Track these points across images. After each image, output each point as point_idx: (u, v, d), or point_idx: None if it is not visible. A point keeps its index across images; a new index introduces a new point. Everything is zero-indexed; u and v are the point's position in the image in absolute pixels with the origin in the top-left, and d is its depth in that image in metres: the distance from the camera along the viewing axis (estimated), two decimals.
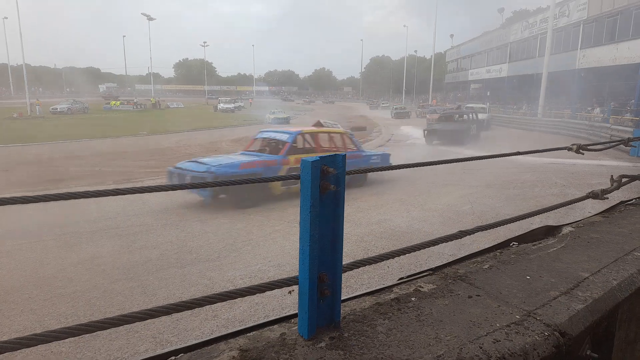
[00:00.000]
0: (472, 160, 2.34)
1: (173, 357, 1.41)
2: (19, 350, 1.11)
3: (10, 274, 5.14)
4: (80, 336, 1.21)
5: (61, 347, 3.37)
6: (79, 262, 5.48)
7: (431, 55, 63.19)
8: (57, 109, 42.22)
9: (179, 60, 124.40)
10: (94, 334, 1.26)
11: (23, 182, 10.81)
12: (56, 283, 4.84)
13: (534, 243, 2.25)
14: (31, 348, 1.13)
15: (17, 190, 9.92)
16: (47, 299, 4.43)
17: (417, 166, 2.12)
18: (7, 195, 1.21)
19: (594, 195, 2.62)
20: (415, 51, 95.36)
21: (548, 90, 32.27)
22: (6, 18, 51.78)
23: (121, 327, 1.29)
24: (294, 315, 1.61)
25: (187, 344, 1.49)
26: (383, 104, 68.56)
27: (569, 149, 2.79)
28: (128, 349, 3.47)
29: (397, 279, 1.86)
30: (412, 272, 1.93)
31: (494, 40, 47.25)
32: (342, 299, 1.61)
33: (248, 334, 1.52)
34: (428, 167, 2.17)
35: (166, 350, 1.44)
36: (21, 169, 12.80)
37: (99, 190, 1.35)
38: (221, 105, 53.20)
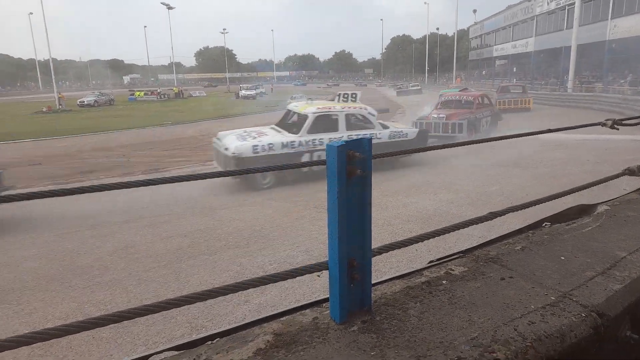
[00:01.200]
0: (500, 139, 2.29)
1: (210, 342, 1.45)
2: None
3: (51, 264, 5.35)
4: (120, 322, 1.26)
5: (102, 333, 3.51)
6: (114, 251, 5.66)
7: (454, 33, 61.56)
8: (84, 101, 43.23)
9: (200, 49, 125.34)
10: (133, 319, 1.31)
11: (56, 174, 11.17)
12: (93, 272, 5.01)
13: (567, 223, 2.20)
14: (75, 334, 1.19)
15: (52, 182, 10.27)
16: (86, 286, 4.61)
17: (442, 148, 2.09)
18: (45, 189, 1.25)
19: (630, 171, 2.53)
20: (437, 29, 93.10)
21: (577, 63, 31.12)
22: (31, 13, 52.92)
23: (158, 313, 1.33)
24: (325, 300, 1.63)
25: (223, 329, 1.53)
26: (412, 86, 52.50)
27: (603, 125, 2.69)
28: (165, 334, 3.59)
29: (427, 262, 1.85)
30: (441, 254, 1.92)
31: (519, 14, 45.72)
32: (372, 283, 1.61)
33: (281, 319, 1.54)
34: (454, 148, 2.14)
35: (203, 335, 1.49)
36: (54, 162, 13.21)
37: (127, 182, 1.39)
38: (242, 92, 53.43)
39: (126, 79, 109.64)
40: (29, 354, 3.23)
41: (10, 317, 3.96)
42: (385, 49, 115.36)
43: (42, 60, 68.73)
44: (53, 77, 42.67)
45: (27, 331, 1.31)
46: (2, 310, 4.12)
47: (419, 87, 52.04)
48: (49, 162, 13.16)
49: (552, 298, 1.49)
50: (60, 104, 39.02)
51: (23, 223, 7.03)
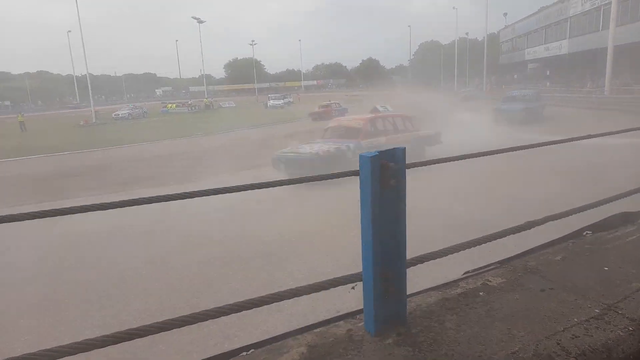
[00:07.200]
0: (539, 146, 2.23)
1: (245, 353, 1.46)
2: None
3: (90, 273, 5.52)
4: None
5: (138, 342, 3.58)
6: (148, 261, 5.79)
7: (483, 37, 60.48)
8: (118, 114, 44.70)
9: (229, 61, 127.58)
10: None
11: (94, 187, 11.55)
12: (129, 281, 5.14)
13: (609, 232, 2.11)
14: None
15: (91, 194, 10.63)
16: (121, 295, 4.73)
17: (478, 156, 2.05)
18: (88, 203, 1.30)
19: None
20: (467, 34, 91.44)
21: (615, 65, 30.03)
22: (70, 31, 55.58)
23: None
24: (359, 311, 1.62)
25: (257, 340, 1.54)
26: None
27: None
28: (199, 343, 3.63)
29: (463, 272, 1.81)
30: (475, 264, 1.88)
31: (552, 15, 44.61)
32: (407, 294, 1.59)
33: (315, 330, 1.54)
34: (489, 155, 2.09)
35: (238, 346, 1.50)
36: (92, 174, 13.68)
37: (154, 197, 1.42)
38: (271, 102, 54.13)
39: (158, 91, 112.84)
40: None
41: (53, 326, 4.10)
42: (414, 55, 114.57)
43: (80, 75, 71.61)
44: (90, 91, 44.29)
45: (68, 340, 1.35)
46: (44, 319, 4.26)
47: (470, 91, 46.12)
48: (88, 174, 13.63)
49: (597, 310, 1.43)
50: (96, 118, 40.48)
51: (63, 236, 7.28)
